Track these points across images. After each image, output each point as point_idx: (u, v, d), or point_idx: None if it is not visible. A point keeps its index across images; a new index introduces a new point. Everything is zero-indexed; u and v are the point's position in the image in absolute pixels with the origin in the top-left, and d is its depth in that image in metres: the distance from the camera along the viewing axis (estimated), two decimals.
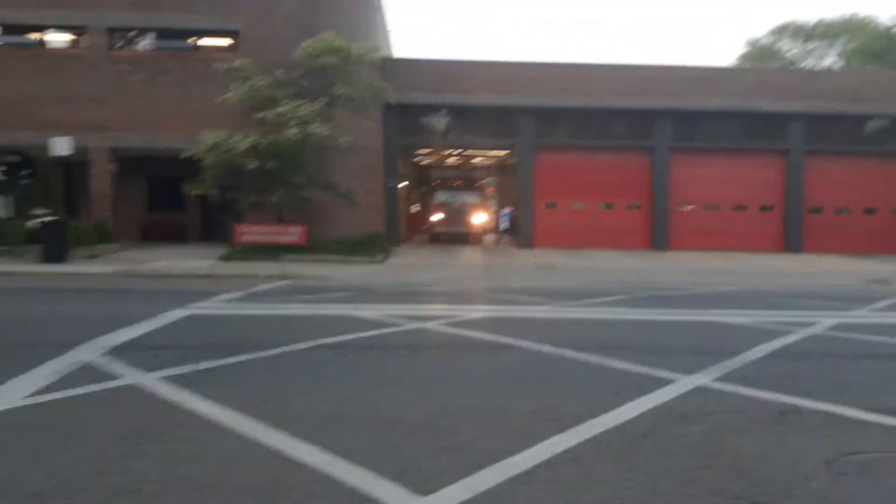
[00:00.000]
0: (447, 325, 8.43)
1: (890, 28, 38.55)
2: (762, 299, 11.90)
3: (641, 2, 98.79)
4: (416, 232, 32.00)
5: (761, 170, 24.30)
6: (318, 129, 17.79)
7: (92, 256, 17.67)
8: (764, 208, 24.58)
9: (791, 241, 24.02)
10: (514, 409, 4.92)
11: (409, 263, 18.51)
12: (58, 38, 21.08)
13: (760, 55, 46.87)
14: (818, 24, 45.46)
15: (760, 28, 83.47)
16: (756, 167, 24.26)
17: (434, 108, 23.96)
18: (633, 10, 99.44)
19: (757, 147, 24.22)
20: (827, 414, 4.95)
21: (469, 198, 29.16)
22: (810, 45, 46.58)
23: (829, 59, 45.90)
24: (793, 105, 23.33)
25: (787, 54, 47.12)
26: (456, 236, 27.45)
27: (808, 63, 46.04)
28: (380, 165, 22.62)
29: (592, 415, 4.80)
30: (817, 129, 23.99)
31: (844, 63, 43.22)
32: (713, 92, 23.16)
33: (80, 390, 5.19)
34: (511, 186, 29.25)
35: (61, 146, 17.72)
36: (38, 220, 17.09)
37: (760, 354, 6.91)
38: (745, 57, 48.30)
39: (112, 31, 20.46)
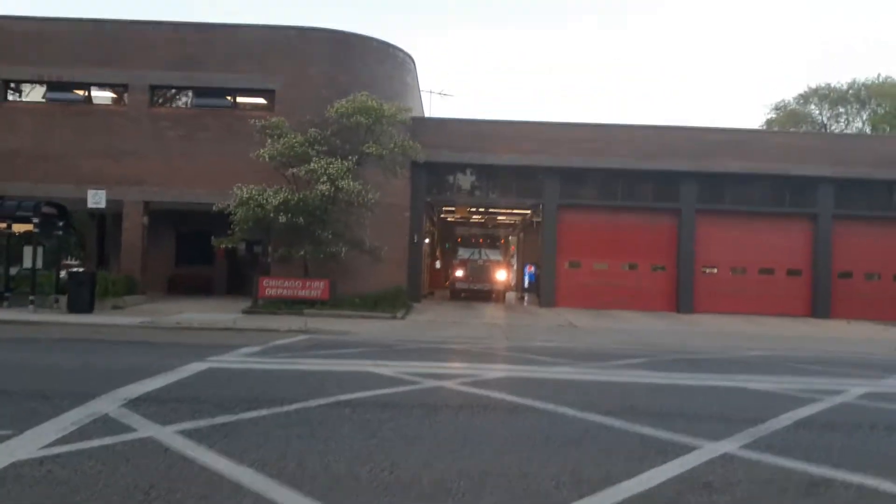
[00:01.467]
0: (466, 384, 8.32)
1: None
2: (789, 365, 11.59)
3: (669, 66, 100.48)
4: (439, 287, 32.01)
5: (789, 233, 24.06)
6: (347, 184, 18.11)
7: (118, 307, 17.90)
8: (791, 272, 24.22)
9: (819, 306, 23.55)
10: (534, 474, 4.80)
11: (430, 320, 18.44)
12: (101, 95, 21.93)
13: (788, 119, 46.91)
14: (850, 86, 45.42)
15: (788, 92, 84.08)
16: (784, 231, 24.03)
17: (460, 167, 24.33)
18: (661, 73, 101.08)
19: (784, 210, 24.05)
20: (860, 487, 4.74)
21: (492, 255, 29.21)
22: (839, 109, 46.56)
23: (858, 124, 45.79)
24: (821, 169, 23.21)
25: (816, 118, 47.14)
26: (478, 293, 27.39)
27: (837, 128, 45.95)
28: (406, 222, 22.87)
29: (614, 481, 4.66)
30: (846, 194, 23.79)
31: (872, 129, 43.09)
32: (739, 154, 23.18)
33: (95, 442, 5.18)
34: (535, 244, 29.29)
35: (97, 199, 18.23)
36: (68, 270, 17.44)
37: (788, 422, 6.69)
38: (771, 122, 48.40)
39: (153, 88, 21.25)
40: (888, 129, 38.56)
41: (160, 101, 21.70)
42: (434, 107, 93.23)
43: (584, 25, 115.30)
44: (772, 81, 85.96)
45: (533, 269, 31.84)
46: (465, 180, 25.14)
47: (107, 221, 22.98)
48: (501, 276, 28.54)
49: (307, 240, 18.62)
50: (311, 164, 18.22)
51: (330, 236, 18.67)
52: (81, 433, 5.43)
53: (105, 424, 5.74)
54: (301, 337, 13.49)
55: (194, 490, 4.24)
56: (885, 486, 4.78)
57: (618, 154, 23.17)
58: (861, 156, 23.54)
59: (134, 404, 6.52)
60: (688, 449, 5.56)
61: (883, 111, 43.16)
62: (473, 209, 29.92)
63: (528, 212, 28.73)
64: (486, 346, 13.20)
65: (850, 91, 45.66)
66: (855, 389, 8.92)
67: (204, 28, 21.41)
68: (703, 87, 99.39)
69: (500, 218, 33.90)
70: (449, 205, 28.29)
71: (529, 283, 32.67)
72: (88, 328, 14.00)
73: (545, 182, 23.84)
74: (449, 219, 35.31)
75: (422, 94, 30.20)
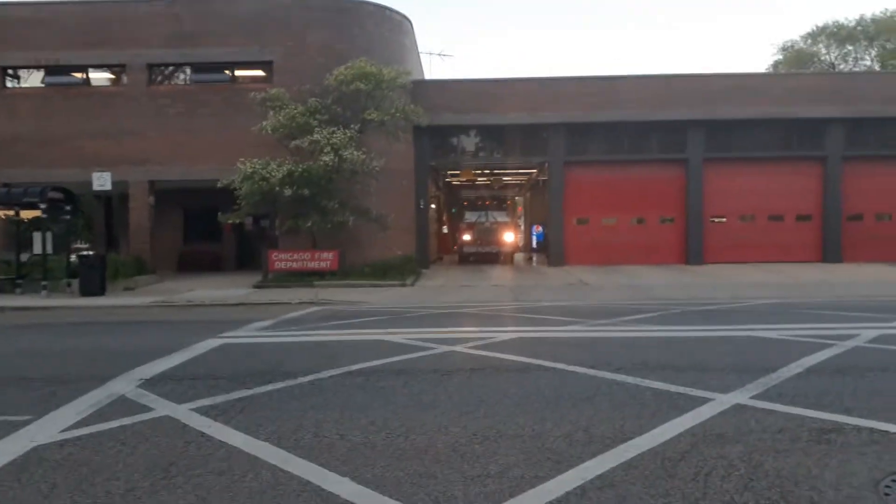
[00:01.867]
0: (478, 347, 8.37)
1: None
2: (800, 312, 11.59)
3: (670, 10, 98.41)
4: (447, 252, 32.02)
5: (798, 178, 23.77)
6: (351, 154, 18.03)
7: (129, 288, 18.05)
8: (801, 218, 24.02)
9: (830, 250, 23.39)
10: (548, 434, 4.85)
11: (440, 285, 18.50)
12: (99, 77, 21.79)
13: (796, 60, 45.95)
14: (858, 22, 44.32)
15: (795, 32, 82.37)
16: (792, 175, 23.74)
17: (463, 129, 24.11)
18: (661, 18, 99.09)
19: (793, 155, 23.72)
20: (871, 431, 4.77)
21: (499, 217, 29.10)
22: (847, 48, 45.56)
23: (867, 62, 44.85)
24: (829, 110, 22.82)
25: (824, 58, 46.18)
26: (486, 256, 27.38)
27: (846, 67, 45.05)
28: (411, 188, 22.77)
29: (627, 437, 4.71)
30: (855, 134, 23.42)
31: (881, 66, 42.21)
32: (746, 100, 22.82)
33: (114, 423, 5.27)
34: (542, 204, 29.16)
35: (102, 181, 18.25)
36: (78, 254, 17.56)
37: (799, 370, 6.71)
38: (779, 63, 47.48)
39: (151, 67, 21.08)
40: None
41: (159, 79, 21.55)
42: (434, 69, 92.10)
43: None
44: (778, 21, 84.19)
45: (541, 229, 31.77)
46: (469, 142, 24.93)
47: (113, 203, 23.00)
48: (509, 237, 28.49)
49: (314, 211, 18.60)
50: (314, 135, 18.10)
51: (336, 206, 18.65)
52: (100, 415, 5.52)
53: (123, 405, 5.83)
54: (312, 309, 13.59)
55: (213, 465, 4.31)
56: None
57: (623, 106, 22.87)
58: (870, 94, 23.09)
59: (150, 384, 6.61)
60: (700, 402, 5.59)
61: (892, 46, 42.18)
62: (478, 171, 29.71)
63: (534, 171, 28.52)
64: (496, 308, 13.25)
65: (859, 27, 44.59)
66: (866, 333, 8.91)
67: (198, 3, 21.14)
68: (708, 31, 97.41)
69: (505, 179, 33.69)
70: (454, 168, 28.09)
71: (538, 242, 32.63)
72: (101, 310, 14.15)
73: (550, 139, 23.60)
74: (454, 182, 35.13)
75: (421, 56, 29.82)
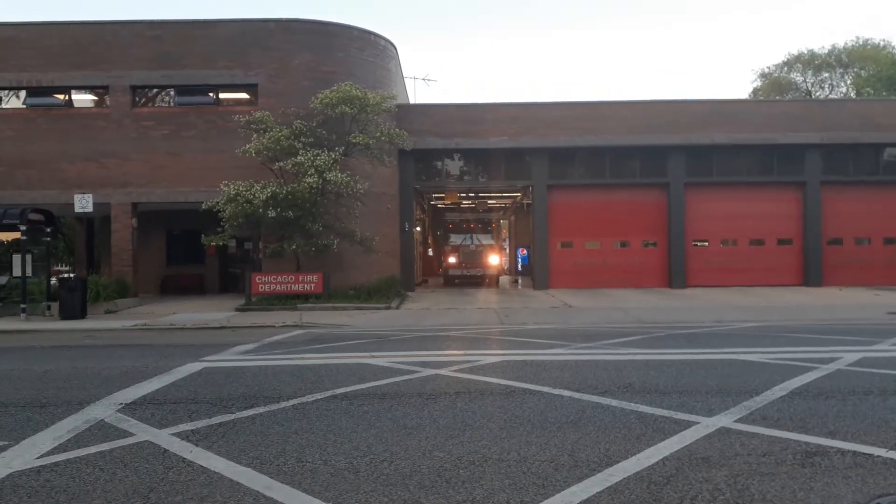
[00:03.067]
0: (462, 370, 8.34)
1: None
2: (783, 335, 11.67)
3: (652, 39, 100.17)
4: (432, 275, 32.00)
5: (778, 202, 24.13)
6: (335, 176, 18.04)
7: (110, 311, 17.84)
8: (782, 241, 24.33)
9: (811, 274, 23.68)
10: (533, 458, 4.82)
11: (425, 308, 18.46)
12: (82, 98, 21.70)
13: (773, 87, 46.92)
14: (831, 52, 45.48)
15: (773, 59, 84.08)
16: (773, 200, 24.10)
17: (448, 153, 24.25)
18: (644, 47, 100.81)
19: (773, 180, 24.11)
20: (855, 454, 4.79)
21: (484, 239, 29.21)
22: (823, 75, 46.62)
23: (843, 89, 45.87)
24: (808, 136, 23.26)
25: (801, 85, 47.18)
26: (471, 279, 27.41)
27: (822, 93, 46.02)
28: (396, 210, 22.82)
29: (612, 461, 4.69)
30: (834, 160, 23.86)
31: (856, 92, 43.15)
32: (726, 125, 23.20)
33: (93, 448, 5.17)
34: (526, 227, 29.30)
35: (84, 202, 18.10)
36: (59, 276, 17.35)
37: (783, 393, 6.74)
38: (757, 90, 48.40)
39: (134, 88, 21.03)
40: (872, 91, 38.61)
41: (142, 101, 21.49)
42: (419, 93, 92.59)
43: (567, 4, 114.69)
44: (757, 48, 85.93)
45: (526, 251, 31.88)
46: (454, 165, 25.09)
47: (95, 225, 22.82)
48: (494, 260, 28.56)
49: (298, 233, 18.55)
50: (298, 157, 18.12)
51: (320, 228, 18.62)
52: (78, 440, 5.41)
53: (102, 430, 5.73)
54: (296, 332, 13.48)
55: (194, 491, 4.23)
56: (879, 452, 4.83)
57: (605, 131, 23.15)
58: (847, 120, 23.59)
59: (130, 408, 6.50)
60: (685, 425, 5.60)
61: (867, 74, 43.20)
62: (463, 194, 29.86)
63: (519, 194, 28.70)
64: (481, 331, 13.22)
65: (832, 56, 45.72)
66: (848, 356, 8.99)
67: (182, 25, 21.18)
68: (688, 58, 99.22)
69: (490, 202, 33.87)
70: (438, 191, 28.23)
71: (523, 265, 32.72)
72: (81, 334, 13.94)
73: (534, 163, 23.80)
74: (439, 205, 35.25)
75: (406, 80, 30.04)
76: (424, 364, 8.88)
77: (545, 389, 7.10)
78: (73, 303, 16.38)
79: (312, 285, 18.74)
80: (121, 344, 12.25)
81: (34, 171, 20.38)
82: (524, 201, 29.06)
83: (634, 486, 4.23)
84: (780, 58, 61.72)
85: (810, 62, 46.32)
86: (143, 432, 5.62)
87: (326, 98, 18.85)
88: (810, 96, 45.13)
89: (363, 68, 21.72)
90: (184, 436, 5.48)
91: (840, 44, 47.53)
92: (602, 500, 4.01)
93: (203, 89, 21.24)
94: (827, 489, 4.13)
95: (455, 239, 29.21)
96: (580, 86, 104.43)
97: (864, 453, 4.81)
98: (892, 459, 4.67)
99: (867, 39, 45.97)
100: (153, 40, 20.86)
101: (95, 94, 21.63)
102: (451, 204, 32.85)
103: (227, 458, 4.86)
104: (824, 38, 78.86)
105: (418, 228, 28.25)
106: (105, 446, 5.22)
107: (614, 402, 6.44)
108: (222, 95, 21.58)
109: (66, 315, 16.21)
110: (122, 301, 18.93)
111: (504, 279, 30.68)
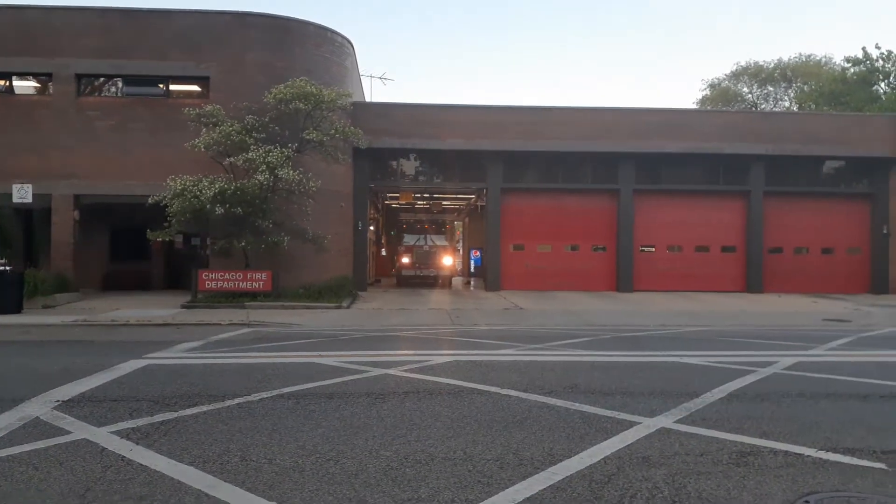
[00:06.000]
0: (412, 370, 8.35)
1: (845, 70, 40.14)
2: (724, 340, 12.04)
3: (609, 45, 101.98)
4: (385, 275, 31.91)
5: (724, 211, 24.86)
6: (286, 174, 17.81)
7: (49, 306, 17.22)
8: (726, 249, 25.07)
9: (752, 281, 24.46)
10: (479, 456, 4.87)
11: (377, 308, 18.39)
12: (24, 85, 20.90)
13: (721, 97, 48.39)
14: (776, 65, 47.16)
15: (721, 69, 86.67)
16: (718, 209, 24.81)
17: (404, 152, 24.23)
18: (599, 52, 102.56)
19: (719, 189, 24.83)
20: (786, 454, 4.98)
21: (438, 240, 29.28)
22: (768, 88, 48.33)
23: (786, 102, 47.62)
24: (752, 147, 24.00)
25: (747, 97, 48.78)
26: (425, 279, 27.43)
27: (767, 106, 47.67)
28: (350, 209, 22.68)
29: (556, 460, 4.77)
30: (777, 171, 24.69)
31: (799, 106, 44.82)
32: (675, 134, 23.77)
33: (26, 447, 5.00)
34: (480, 229, 29.48)
35: (22, 193, 17.47)
36: None
37: (721, 395, 6.96)
38: (706, 99, 49.82)
39: (80, 77, 20.35)
40: (814, 105, 40.21)
41: (88, 90, 20.82)
42: (376, 92, 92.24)
43: (527, 11, 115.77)
44: (707, 58, 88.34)
45: (479, 253, 32.07)
46: (409, 166, 25.07)
47: (34, 218, 21.99)
48: (448, 261, 28.65)
49: (247, 230, 18.25)
50: (250, 153, 17.82)
51: (270, 226, 18.35)
52: (11, 438, 5.23)
53: (36, 428, 5.54)
54: (243, 330, 13.27)
55: (133, 491, 4.14)
56: (809, 452, 5.04)
57: (558, 137, 23.47)
58: (790, 133, 24.43)
59: (67, 406, 6.31)
60: (627, 425, 5.73)
61: (808, 89, 44.92)
62: (418, 195, 29.88)
63: (473, 196, 28.86)
64: (432, 332, 13.25)
65: (777, 71, 47.41)
66: (784, 360, 9.33)
67: (133, 14, 20.56)
68: (640, 66, 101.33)
69: (445, 203, 33.97)
70: (393, 191, 28.16)
71: (476, 267, 32.91)
72: (17, 329, 13.43)
73: (488, 166, 23.97)
74: (394, 205, 35.18)
75: (363, 78, 29.89)
76: (374, 364, 8.85)
77: (493, 389, 7.17)
78: (9, 297, 15.74)
79: (261, 283, 18.46)
80: (59, 340, 11.85)
81: None
82: (478, 204, 29.25)
83: (577, 484, 4.32)
84: (728, 68, 63.65)
85: (756, 74, 47.98)
86: (81, 430, 5.46)
87: (280, 93, 18.60)
88: (756, 108, 46.68)
89: (319, 65, 21.52)
90: (124, 434, 5.36)
91: (785, 58, 49.34)
92: (546, 497, 4.08)
93: (153, 80, 20.68)
94: (759, 487, 4.29)
95: (409, 239, 29.21)
96: (534, 90, 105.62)
97: (794, 453, 5.01)
98: (821, 459, 4.88)
99: (810, 55, 47.86)
100: (104, 29, 20.23)
101: (38, 82, 20.87)
102: (406, 204, 32.84)
103: (169, 457, 4.77)
104: (770, 51, 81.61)
105: (372, 228, 28.14)
106: (40, 444, 5.06)
107: (560, 402, 6.55)
108: (173, 87, 21.05)
109: (0, 310, 15.58)
110: (62, 296, 18.30)
111: (457, 280, 30.80)
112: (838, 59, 46.24)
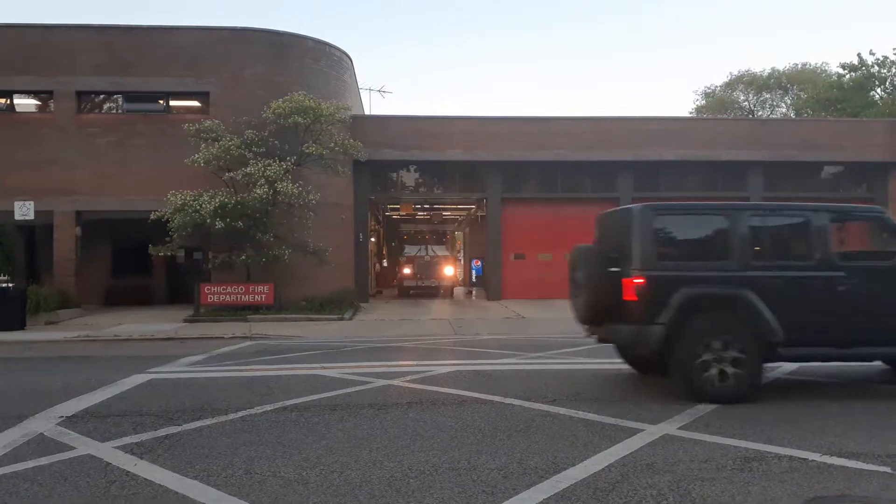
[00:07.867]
0: (415, 381, 8.35)
1: (840, 77, 40.30)
2: None
3: (604, 55, 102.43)
4: (387, 286, 31.91)
5: None
6: (285, 187, 17.87)
7: (52, 322, 17.25)
8: None
9: None
10: (483, 466, 4.87)
11: (378, 319, 18.40)
12: (25, 103, 21.01)
13: (717, 106, 48.54)
14: (771, 74, 47.35)
15: (714, 79, 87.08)
16: None
17: (403, 164, 24.30)
18: (594, 63, 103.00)
19: (717, 196, 24.81)
20: (791, 459, 4.98)
21: (439, 251, 29.29)
22: (764, 95, 48.48)
23: (783, 109, 47.75)
24: (750, 154, 24.07)
25: (743, 104, 48.95)
26: (426, 290, 27.42)
27: (763, 113, 47.79)
28: (350, 221, 22.72)
29: (560, 468, 4.77)
30: (774, 177, 24.71)
31: (796, 113, 44.94)
32: (673, 142, 23.83)
33: (30, 463, 5.00)
34: (481, 239, 29.47)
35: (25, 210, 17.53)
36: None
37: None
38: (702, 108, 49.96)
39: (80, 94, 20.45)
40: (811, 112, 40.35)
41: (88, 107, 20.92)
42: (375, 105, 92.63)
43: (523, 21, 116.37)
44: (700, 68, 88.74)
45: (480, 263, 32.04)
46: (409, 177, 25.14)
47: (37, 234, 22.03)
48: (449, 271, 28.63)
49: (248, 244, 18.29)
50: (249, 168, 17.90)
51: (271, 239, 18.39)
52: (15, 455, 5.23)
53: (40, 444, 5.55)
54: (246, 343, 13.28)
55: None
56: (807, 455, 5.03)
57: (557, 146, 23.54)
58: (787, 140, 24.49)
59: (71, 421, 6.31)
60: (631, 432, 5.73)
61: (805, 96, 45.06)
62: (418, 206, 29.93)
63: (473, 206, 28.90)
64: (435, 342, 13.25)
65: (772, 79, 47.61)
66: None
67: (133, 31, 20.72)
68: (636, 76, 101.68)
69: (445, 213, 34.00)
70: (393, 202, 28.21)
71: (477, 277, 32.86)
72: (20, 345, 13.45)
73: (488, 176, 24.03)
74: (394, 216, 35.22)
75: (361, 92, 30.01)
76: (377, 375, 8.86)
77: (496, 398, 7.17)
78: (12, 313, 15.79)
79: (263, 296, 18.48)
80: (62, 356, 11.87)
81: None
82: (478, 213, 29.27)
83: (581, 491, 4.32)
84: (722, 78, 64.00)
85: (752, 83, 48.16)
86: (85, 446, 5.46)
87: (279, 108, 18.68)
88: (753, 115, 46.80)
89: (318, 79, 21.63)
90: (128, 449, 5.36)
91: (780, 67, 49.55)
92: None
93: (153, 96, 20.78)
94: (764, 492, 4.29)
95: (410, 250, 29.20)
96: (534, 101, 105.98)
97: (804, 461, 5.00)
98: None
99: (805, 63, 48.06)
100: (104, 46, 20.33)
101: (39, 100, 20.98)
102: (407, 215, 32.86)
103: (173, 471, 4.77)
104: (763, 60, 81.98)
105: (373, 239, 28.17)
106: (44, 460, 5.07)
107: (563, 411, 6.55)
108: (173, 103, 21.16)
109: (3, 326, 15.57)
110: (65, 312, 18.33)
111: (458, 290, 30.77)
112: (833, 67, 46.43)
